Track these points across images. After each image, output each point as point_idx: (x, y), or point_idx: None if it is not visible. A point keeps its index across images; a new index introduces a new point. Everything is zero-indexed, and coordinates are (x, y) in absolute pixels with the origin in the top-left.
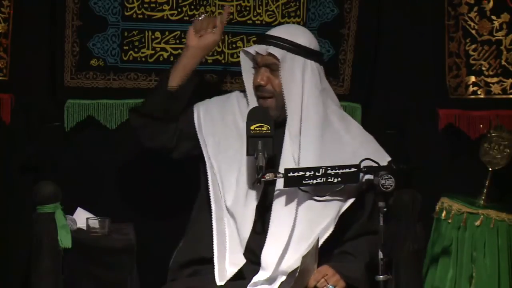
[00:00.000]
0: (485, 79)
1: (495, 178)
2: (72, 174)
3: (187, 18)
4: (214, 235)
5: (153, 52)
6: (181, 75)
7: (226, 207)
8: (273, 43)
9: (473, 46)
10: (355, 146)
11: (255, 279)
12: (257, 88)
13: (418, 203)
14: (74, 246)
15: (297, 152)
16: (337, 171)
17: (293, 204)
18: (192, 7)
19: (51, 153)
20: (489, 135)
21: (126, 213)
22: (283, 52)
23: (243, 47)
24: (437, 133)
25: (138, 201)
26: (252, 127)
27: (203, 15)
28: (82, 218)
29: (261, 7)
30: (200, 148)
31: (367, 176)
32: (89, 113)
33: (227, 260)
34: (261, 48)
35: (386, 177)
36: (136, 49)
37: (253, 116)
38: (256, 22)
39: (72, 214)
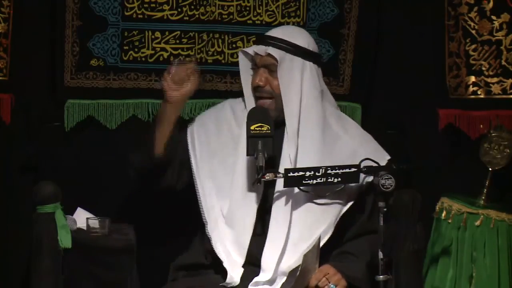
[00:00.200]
0: (485, 79)
1: (495, 178)
2: (72, 174)
3: (187, 18)
4: (213, 243)
5: (153, 52)
6: (166, 132)
7: (223, 214)
8: (272, 43)
9: (473, 46)
10: (354, 146)
11: (256, 279)
12: (256, 89)
13: (418, 203)
14: (74, 246)
15: (294, 153)
16: (337, 171)
17: (293, 206)
18: (192, 7)
19: (51, 153)
20: (489, 135)
21: (126, 213)
22: (282, 53)
23: (243, 47)
24: (437, 133)
25: (138, 201)
26: (252, 127)
27: (175, 63)
28: (82, 218)
29: (261, 7)
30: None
31: (368, 179)
32: (89, 113)
33: (230, 265)
34: (260, 49)
35: (386, 177)
36: (136, 49)
37: (253, 116)
38: (256, 22)
39: (72, 214)
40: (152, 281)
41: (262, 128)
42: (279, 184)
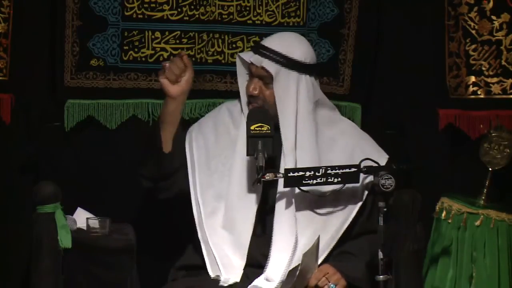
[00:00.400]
0: (485, 79)
1: (495, 178)
2: (72, 174)
3: (187, 18)
4: (211, 246)
5: (153, 52)
6: (172, 132)
7: (221, 216)
8: (268, 56)
9: (473, 46)
10: (352, 146)
11: (256, 282)
12: (249, 97)
13: (418, 203)
14: (74, 246)
15: (293, 165)
16: (337, 171)
17: (297, 208)
18: (192, 7)
19: (51, 153)
20: (489, 135)
21: (126, 213)
22: (278, 67)
23: (243, 47)
24: (437, 133)
25: (138, 201)
26: (252, 127)
27: (167, 63)
28: (82, 218)
29: (261, 7)
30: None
31: (368, 180)
32: (89, 113)
33: (228, 268)
34: (256, 60)
35: (386, 177)
36: (136, 49)
37: (253, 116)
38: (256, 22)
39: (72, 214)
40: (152, 281)
41: (262, 128)
42: (281, 186)
